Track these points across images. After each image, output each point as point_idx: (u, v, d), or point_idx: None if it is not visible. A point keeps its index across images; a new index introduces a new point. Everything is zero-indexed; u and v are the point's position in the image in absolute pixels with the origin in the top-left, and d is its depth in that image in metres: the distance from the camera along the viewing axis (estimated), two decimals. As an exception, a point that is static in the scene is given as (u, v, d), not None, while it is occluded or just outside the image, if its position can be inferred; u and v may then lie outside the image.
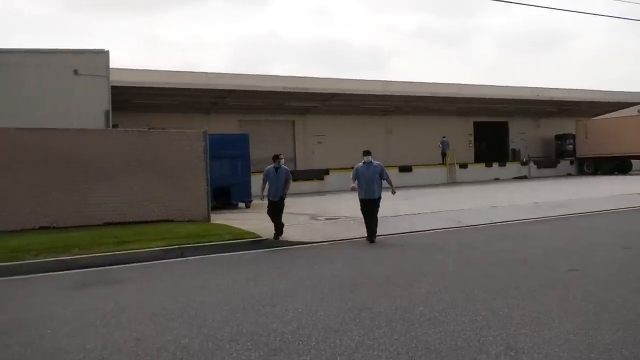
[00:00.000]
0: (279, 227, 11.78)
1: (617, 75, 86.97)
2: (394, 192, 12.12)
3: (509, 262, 8.75)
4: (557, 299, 6.36)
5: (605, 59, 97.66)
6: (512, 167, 35.42)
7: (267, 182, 12.09)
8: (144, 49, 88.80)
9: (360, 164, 11.94)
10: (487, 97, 33.77)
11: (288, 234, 11.97)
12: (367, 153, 11.92)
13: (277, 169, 12.05)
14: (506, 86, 37.58)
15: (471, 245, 10.84)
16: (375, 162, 11.90)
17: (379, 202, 11.83)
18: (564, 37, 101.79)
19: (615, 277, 7.49)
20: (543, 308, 5.97)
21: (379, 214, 11.88)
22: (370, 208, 11.71)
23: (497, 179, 33.33)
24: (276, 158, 12.22)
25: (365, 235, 11.70)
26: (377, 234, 11.67)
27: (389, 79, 34.02)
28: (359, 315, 5.94)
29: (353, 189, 12.12)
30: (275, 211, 11.93)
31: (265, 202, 12.36)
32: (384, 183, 11.94)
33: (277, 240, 11.51)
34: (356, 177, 11.89)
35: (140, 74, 25.77)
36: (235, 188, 19.01)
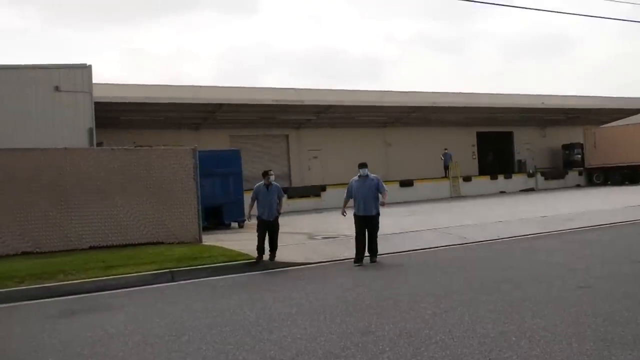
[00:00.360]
0: (273, 249, 11.62)
1: (625, 81, 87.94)
2: (383, 204, 11.55)
3: (517, 279, 8.79)
4: (568, 317, 6.41)
5: (611, 64, 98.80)
6: (519, 179, 35.61)
7: (257, 201, 11.89)
8: (128, 62, 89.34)
9: (355, 178, 11.69)
10: (490, 106, 34.10)
11: (284, 254, 11.96)
12: (362, 166, 11.66)
13: (267, 186, 11.85)
14: (510, 94, 37.96)
15: (477, 262, 10.94)
16: (372, 176, 11.63)
17: (378, 219, 11.55)
18: (569, 42, 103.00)
19: (624, 291, 7.56)
20: (554, 327, 6.01)
21: (380, 231, 11.68)
22: (368, 226, 11.40)
23: (503, 192, 33.45)
24: (266, 174, 11.98)
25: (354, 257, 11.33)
26: (379, 252, 11.54)
27: (386, 89, 34.48)
28: (361, 339, 5.96)
29: (344, 213, 11.89)
30: (271, 232, 11.71)
31: (253, 221, 12.20)
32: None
33: (272, 261, 11.46)
34: (351, 193, 11.63)
35: (124, 89, 25.94)
36: (228, 207, 19.04)
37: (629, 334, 5.71)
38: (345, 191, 11.91)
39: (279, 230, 11.97)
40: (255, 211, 12.01)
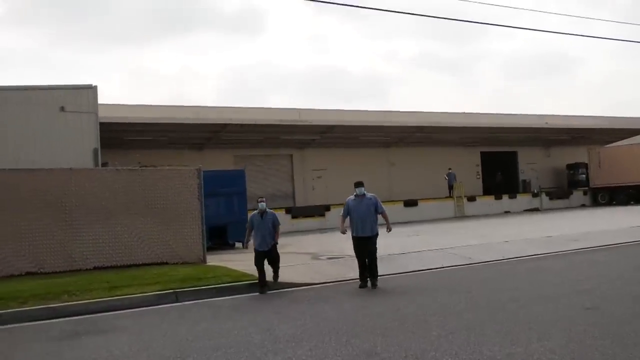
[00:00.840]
0: (275, 271, 11.40)
1: (627, 100, 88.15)
2: (390, 229, 11.29)
3: (523, 300, 8.76)
4: (575, 339, 6.37)
5: (614, 83, 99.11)
6: (523, 199, 35.58)
7: (254, 229, 11.51)
8: (133, 83, 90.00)
9: (352, 197, 11.27)
10: (493, 126, 34.13)
11: (288, 275, 11.91)
12: (358, 185, 11.21)
13: (262, 214, 11.44)
14: (514, 114, 38.11)
15: (483, 283, 10.94)
16: (369, 195, 11.24)
17: (376, 239, 11.12)
18: (571, 62, 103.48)
19: (633, 313, 7.54)
20: (561, 349, 5.98)
21: (382, 252, 11.50)
22: (366, 247, 11.01)
23: (507, 212, 33.42)
24: (261, 202, 11.65)
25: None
26: (382, 273, 11.39)
27: (390, 109, 34.60)
28: (366, 361, 6.00)
29: (344, 232, 11.42)
30: (270, 261, 11.41)
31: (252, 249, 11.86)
32: (380, 219, 11.24)
33: (275, 282, 11.32)
34: (347, 213, 11.25)
35: (129, 109, 26.14)
36: (232, 227, 18.96)
37: (638, 356, 5.67)
38: (342, 210, 11.50)
39: (280, 259, 11.56)
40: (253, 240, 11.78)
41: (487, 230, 21.21)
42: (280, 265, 11.62)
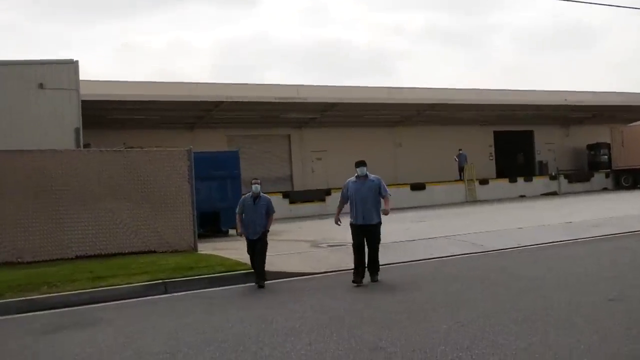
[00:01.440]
0: (260, 274, 10.55)
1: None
2: (385, 213, 10.42)
3: (540, 290, 8.73)
4: (597, 331, 6.36)
5: (638, 57, 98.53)
6: (540, 182, 35.45)
7: (245, 214, 11.04)
8: (118, 58, 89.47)
9: (352, 179, 10.63)
10: (508, 103, 33.90)
11: (286, 264, 11.89)
12: (360, 164, 10.53)
13: (254, 198, 10.94)
14: (530, 90, 37.77)
15: (496, 272, 10.83)
16: (372, 176, 10.57)
17: (379, 228, 10.48)
18: (593, 34, 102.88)
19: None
20: (580, 343, 5.95)
21: (385, 239, 10.90)
22: (367, 237, 10.35)
23: (522, 196, 33.36)
24: (255, 183, 11.09)
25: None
26: (384, 262, 10.91)
27: (396, 86, 34.33)
28: (370, 356, 5.94)
29: (338, 222, 10.70)
30: (256, 253, 10.77)
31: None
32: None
33: (260, 288, 10.38)
34: (347, 196, 10.61)
35: (114, 86, 25.89)
36: (225, 213, 18.72)
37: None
38: (340, 195, 10.90)
39: (267, 249, 10.86)
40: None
41: (500, 216, 21.22)
42: (278, 253, 11.51)
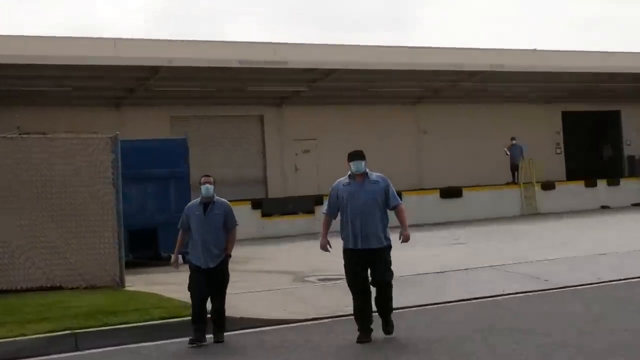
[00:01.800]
0: (220, 321, 10.12)
1: None
2: (406, 239, 9.67)
3: (627, 352, 8.34)
4: None
5: None
6: (631, 187, 34.23)
7: (190, 231, 10.23)
8: (12, 4, 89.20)
9: (344, 179, 9.70)
10: (583, 70, 32.38)
11: (255, 307, 11.50)
12: (356, 156, 9.65)
13: (206, 205, 10.17)
14: (615, 52, 36.72)
15: (567, 321, 10.30)
16: (375, 175, 9.64)
17: (388, 253, 9.48)
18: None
19: None
20: None
21: (403, 270, 10.78)
22: (372, 269, 9.49)
23: (605, 207, 32.25)
24: (205, 183, 10.34)
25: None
26: (401, 305, 10.36)
27: (419, 45, 34.09)
28: None
29: (325, 246, 9.89)
30: (212, 290, 10.07)
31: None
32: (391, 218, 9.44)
33: (220, 342, 10.20)
34: (335, 207, 9.81)
35: (7, 41, 25.22)
36: (166, 229, 17.58)
37: None
38: (326, 204, 9.98)
39: (227, 284, 10.50)
40: (189, 248, 10.52)
41: (572, 236, 20.45)
42: (244, 290, 11.38)
